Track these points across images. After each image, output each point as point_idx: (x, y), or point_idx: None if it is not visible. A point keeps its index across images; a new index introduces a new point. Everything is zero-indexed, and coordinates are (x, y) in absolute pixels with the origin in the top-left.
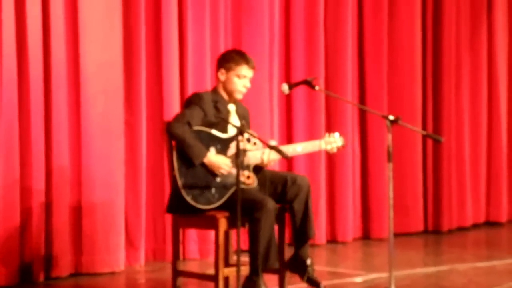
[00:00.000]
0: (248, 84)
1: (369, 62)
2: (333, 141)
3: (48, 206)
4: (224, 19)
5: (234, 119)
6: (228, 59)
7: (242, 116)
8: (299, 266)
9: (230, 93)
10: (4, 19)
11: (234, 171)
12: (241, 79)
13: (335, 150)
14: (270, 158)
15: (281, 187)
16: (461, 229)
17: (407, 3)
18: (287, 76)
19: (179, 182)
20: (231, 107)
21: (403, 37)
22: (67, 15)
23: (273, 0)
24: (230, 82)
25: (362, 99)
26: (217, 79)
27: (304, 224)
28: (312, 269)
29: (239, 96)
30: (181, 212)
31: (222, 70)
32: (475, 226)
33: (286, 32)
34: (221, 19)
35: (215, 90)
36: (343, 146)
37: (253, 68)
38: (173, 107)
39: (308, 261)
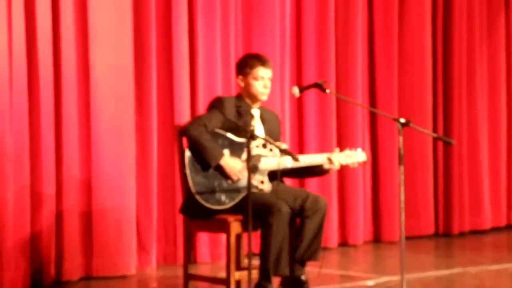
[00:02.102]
0: (268, 84)
1: (380, 65)
2: (354, 156)
3: (58, 210)
4: (234, 22)
5: (257, 124)
6: (243, 65)
7: (268, 122)
8: (293, 282)
9: (253, 97)
10: (14, 23)
11: (245, 173)
12: (260, 81)
13: (356, 165)
14: (283, 164)
15: (300, 202)
16: (476, 232)
17: (417, 5)
18: (298, 79)
19: (190, 183)
20: (255, 112)
21: (413, 39)
22: (77, 18)
23: (284, 4)
24: (250, 86)
25: (372, 102)
26: (239, 86)
27: (313, 244)
28: (308, 285)
29: (263, 97)
30: (194, 214)
31: (240, 77)
32: (495, 229)
33: (297, 35)
34: (232, 22)
35: (239, 96)
36: (365, 162)
37: (270, 67)
38: (184, 110)
39: (303, 277)
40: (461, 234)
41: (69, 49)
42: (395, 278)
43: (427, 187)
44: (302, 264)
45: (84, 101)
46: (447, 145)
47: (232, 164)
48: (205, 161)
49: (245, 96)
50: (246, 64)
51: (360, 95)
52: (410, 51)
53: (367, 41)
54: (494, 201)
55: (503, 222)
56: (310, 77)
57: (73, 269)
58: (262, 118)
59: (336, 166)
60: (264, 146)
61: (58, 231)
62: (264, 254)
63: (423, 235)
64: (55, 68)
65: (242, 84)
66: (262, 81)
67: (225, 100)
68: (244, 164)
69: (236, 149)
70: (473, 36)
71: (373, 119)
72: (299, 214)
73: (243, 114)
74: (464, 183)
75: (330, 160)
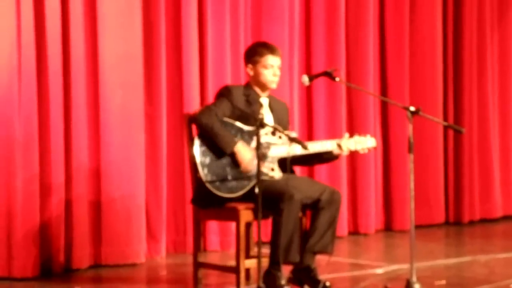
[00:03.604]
0: (278, 72)
1: (391, 53)
2: (363, 141)
3: (68, 199)
4: (244, 11)
5: (266, 113)
6: (252, 53)
7: (276, 111)
8: (303, 270)
9: (263, 86)
10: (23, 11)
11: (255, 164)
12: (269, 69)
13: (366, 150)
14: (292, 151)
15: (317, 193)
16: (487, 220)
17: None
18: (307, 67)
19: (201, 172)
20: (264, 101)
21: (424, 27)
22: (86, 7)
23: None
24: (260, 74)
25: (383, 90)
26: (248, 75)
27: (325, 236)
28: (316, 273)
29: (273, 86)
30: (205, 203)
31: (250, 66)
32: (506, 218)
33: (307, 23)
34: (241, 10)
35: (247, 85)
36: (374, 148)
37: (279, 55)
38: (193, 99)
39: (313, 265)
40: (472, 223)
41: (78, 38)
42: (405, 266)
43: (438, 176)
44: (313, 254)
45: (93, 90)
46: (457, 133)
47: (244, 152)
48: (219, 148)
49: (254, 84)
50: (255, 52)
51: (371, 84)
52: (421, 39)
53: (378, 30)
54: (505, 190)
55: None
56: (319, 66)
57: (83, 257)
58: (271, 107)
59: (345, 152)
60: (273, 133)
61: (67, 220)
62: (274, 241)
63: (434, 223)
64: (64, 57)
65: (251, 73)
66: (272, 69)
67: (233, 88)
68: (254, 153)
69: (245, 137)
70: (484, 24)
71: (384, 107)
72: (314, 206)
73: (252, 103)
74: (474, 171)
75: (339, 146)
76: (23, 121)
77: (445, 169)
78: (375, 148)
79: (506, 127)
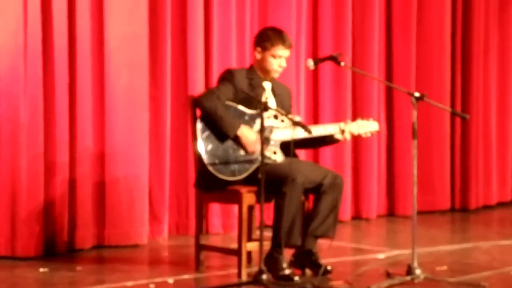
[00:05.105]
0: (284, 64)
1: (397, 39)
2: (366, 125)
3: (72, 179)
4: None
5: (268, 97)
6: (265, 39)
7: (279, 94)
8: (304, 254)
9: (266, 72)
10: None
11: (259, 146)
12: (277, 59)
13: (368, 134)
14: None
15: (320, 177)
16: (487, 207)
17: None
18: (314, 52)
19: (203, 155)
20: (267, 85)
21: (432, 13)
22: None
23: None
24: (266, 61)
25: (389, 76)
26: (254, 56)
27: (327, 220)
28: (318, 256)
29: (275, 75)
30: (208, 186)
31: (259, 49)
32: (501, 204)
33: (314, 7)
34: None
35: (251, 67)
36: (377, 131)
37: (289, 47)
38: (198, 80)
39: (314, 249)
40: (477, 210)
41: (84, 18)
42: (407, 251)
43: (444, 162)
44: (315, 238)
45: (98, 70)
46: (462, 119)
47: (248, 135)
48: (222, 132)
49: (258, 68)
50: (268, 39)
51: (376, 69)
52: (429, 24)
53: (384, 14)
54: (500, 177)
55: (508, 197)
56: (326, 50)
57: (86, 237)
58: (274, 91)
59: (348, 137)
60: (276, 117)
61: (71, 200)
62: (277, 224)
63: (438, 210)
64: (70, 37)
65: (258, 56)
66: (279, 60)
67: (236, 72)
68: (258, 135)
69: (247, 121)
70: (489, 9)
71: (389, 93)
72: (316, 190)
73: (254, 86)
74: (479, 159)
75: (342, 130)
76: (29, 101)
77: (451, 156)
78: (378, 132)
79: (504, 116)
